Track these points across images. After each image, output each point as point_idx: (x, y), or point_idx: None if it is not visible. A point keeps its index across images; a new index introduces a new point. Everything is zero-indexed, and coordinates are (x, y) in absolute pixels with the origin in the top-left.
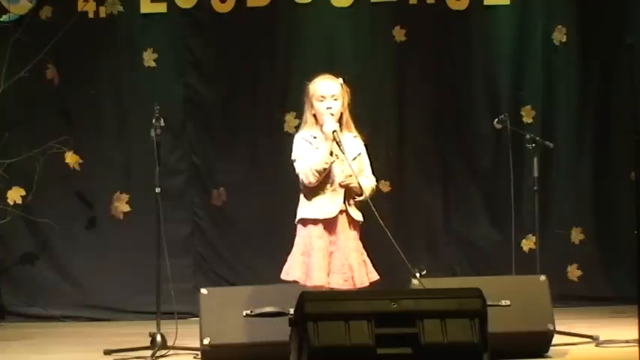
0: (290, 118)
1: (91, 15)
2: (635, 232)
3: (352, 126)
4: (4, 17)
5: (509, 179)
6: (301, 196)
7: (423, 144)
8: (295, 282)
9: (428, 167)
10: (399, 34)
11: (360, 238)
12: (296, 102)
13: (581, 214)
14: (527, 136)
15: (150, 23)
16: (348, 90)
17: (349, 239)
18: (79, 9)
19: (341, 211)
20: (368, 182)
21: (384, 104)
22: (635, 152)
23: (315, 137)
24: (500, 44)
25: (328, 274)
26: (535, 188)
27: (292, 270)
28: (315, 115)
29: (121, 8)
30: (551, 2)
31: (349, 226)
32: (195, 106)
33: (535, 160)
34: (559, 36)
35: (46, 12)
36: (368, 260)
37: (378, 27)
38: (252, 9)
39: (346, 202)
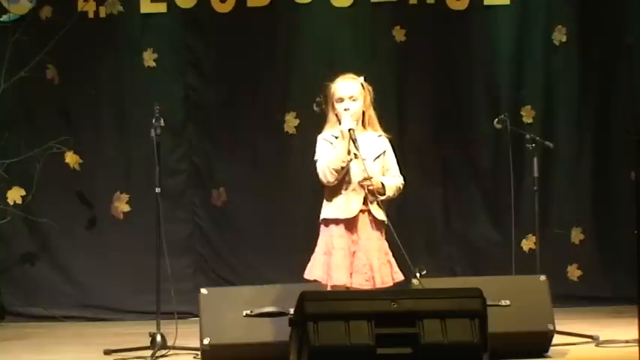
0: (290, 118)
1: (91, 15)
2: (635, 232)
3: (377, 124)
4: (4, 17)
5: (509, 179)
6: (325, 195)
7: (423, 144)
8: (316, 281)
9: (428, 167)
10: (399, 34)
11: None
12: (296, 102)
13: (581, 214)
14: (527, 136)
15: (150, 23)
16: (370, 89)
17: (371, 239)
18: (79, 9)
19: (362, 211)
20: (393, 181)
21: (384, 104)
22: (635, 152)
23: (336, 137)
24: (500, 44)
25: (351, 274)
26: (535, 188)
27: (314, 269)
28: (337, 115)
29: (121, 8)
30: (551, 2)
31: (371, 225)
32: (195, 106)
33: (535, 160)
34: (559, 36)
35: (46, 12)
36: (393, 260)
37: (378, 27)
38: (252, 9)
39: (367, 202)
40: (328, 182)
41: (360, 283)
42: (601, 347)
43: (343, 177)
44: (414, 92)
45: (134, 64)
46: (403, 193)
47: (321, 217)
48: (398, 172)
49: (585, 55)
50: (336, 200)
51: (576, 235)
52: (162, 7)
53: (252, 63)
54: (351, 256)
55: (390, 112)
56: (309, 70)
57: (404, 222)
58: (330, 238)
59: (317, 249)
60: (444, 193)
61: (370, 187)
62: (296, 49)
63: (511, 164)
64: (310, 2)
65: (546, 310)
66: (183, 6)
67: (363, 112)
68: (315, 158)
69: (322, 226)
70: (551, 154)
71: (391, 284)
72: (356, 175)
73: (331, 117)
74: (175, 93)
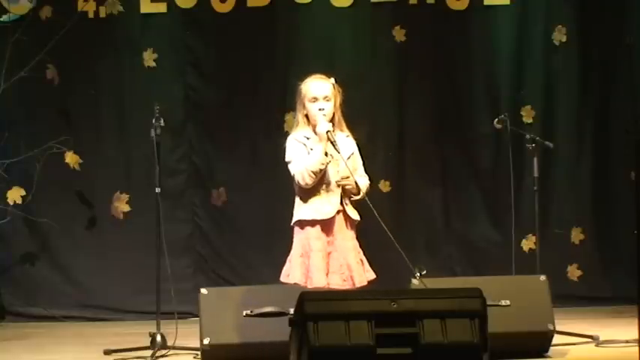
0: (290, 118)
1: (91, 15)
2: (635, 232)
3: (344, 125)
4: (4, 17)
5: (509, 179)
6: (297, 197)
7: (423, 144)
8: (296, 284)
9: (428, 167)
10: (399, 34)
11: (359, 237)
12: (296, 102)
13: (581, 214)
14: (527, 136)
15: (150, 23)
16: (340, 90)
17: (347, 239)
18: (79, 9)
19: (338, 211)
20: (362, 181)
21: (383, 104)
22: (635, 152)
23: (308, 138)
24: (500, 44)
25: (327, 275)
26: (535, 188)
27: (292, 272)
28: (307, 116)
29: (121, 8)
30: (551, 2)
31: (346, 225)
32: (196, 106)
33: (535, 160)
34: (559, 36)
35: (46, 12)
36: (364, 259)
37: (378, 27)
38: (252, 9)
39: (343, 202)
40: (306, 185)
41: (337, 283)
42: (601, 347)
43: (320, 178)
44: (414, 92)
45: (134, 64)
46: (404, 193)
47: (296, 218)
48: (364, 172)
49: (585, 55)
50: (313, 201)
51: (576, 235)
52: (162, 7)
53: (252, 63)
54: (327, 256)
55: (390, 112)
56: (309, 70)
57: (404, 222)
58: (306, 241)
59: (293, 252)
60: (444, 193)
61: (348, 187)
62: (296, 49)
63: (511, 164)
64: (310, 2)
65: (546, 310)
66: (183, 6)
67: (333, 115)
68: (287, 160)
69: (297, 228)
70: (551, 154)
71: (365, 283)
72: (332, 176)
73: (301, 117)
74: (175, 93)
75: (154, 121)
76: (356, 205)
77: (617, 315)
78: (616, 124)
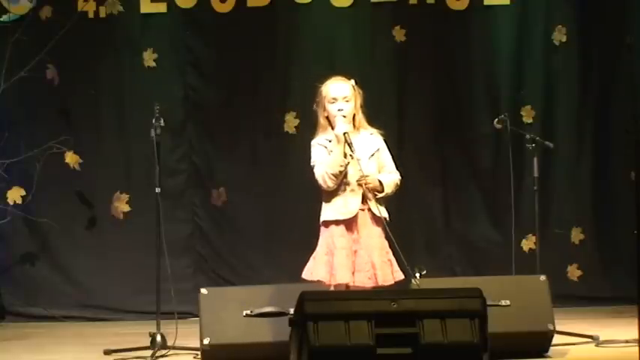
0: (290, 118)
1: (91, 15)
2: (635, 232)
3: (366, 124)
4: (4, 17)
5: (509, 179)
6: (323, 198)
7: (423, 144)
8: (319, 281)
9: (428, 167)
10: (399, 34)
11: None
12: (296, 102)
13: (581, 214)
14: (527, 136)
15: (150, 23)
16: (360, 91)
17: (372, 236)
18: (79, 9)
19: (361, 209)
20: (391, 178)
21: (383, 104)
22: (635, 152)
23: (330, 141)
24: (500, 44)
25: (353, 273)
26: (535, 188)
27: (316, 270)
28: (327, 118)
29: (121, 8)
30: (551, 2)
31: (372, 222)
32: (195, 106)
33: (535, 160)
34: (559, 36)
35: (46, 12)
36: (393, 259)
37: (378, 27)
38: (252, 9)
39: (367, 200)
40: (328, 187)
41: (362, 281)
42: (601, 347)
43: (341, 179)
44: (414, 92)
45: (134, 64)
46: (403, 193)
47: (321, 219)
48: (394, 168)
49: (585, 55)
50: (335, 202)
51: (576, 235)
52: (162, 7)
53: (252, 63)
54: (353, 254)
55: (390, 113)
56: (309, 70)
57: (404, 222)
58: (331, 239)
59: (318, 249)
60: (444, 193)
61: (368, 185)
62: (296, 49)
63: (511, 164)
64: (310, 2)
65: (546, 310)
66: (183, 6)
67: (354, 115)
68: (312, 164)
69: (322, 228)
70: (551, 154)
71: (392, 283)
72: (353, 176)
73: (322, 121)
74: (175, 93)
75: (154, 121)
76: (383, 202)
77: (617, 315)
78: (616, 124)
